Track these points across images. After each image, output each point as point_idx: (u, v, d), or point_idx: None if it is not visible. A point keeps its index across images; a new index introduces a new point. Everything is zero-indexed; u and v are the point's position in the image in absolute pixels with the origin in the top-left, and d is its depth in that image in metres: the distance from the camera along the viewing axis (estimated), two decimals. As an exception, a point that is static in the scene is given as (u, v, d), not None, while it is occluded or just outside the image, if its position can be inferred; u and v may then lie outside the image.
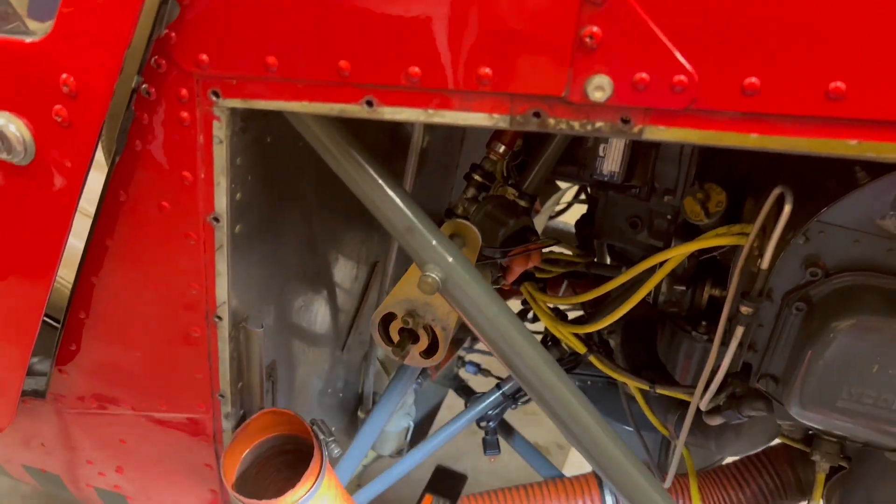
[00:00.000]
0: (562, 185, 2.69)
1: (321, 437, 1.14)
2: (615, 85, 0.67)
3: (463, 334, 1.92)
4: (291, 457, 1.26)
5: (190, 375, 1.08)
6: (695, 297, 1.31)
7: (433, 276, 0.88)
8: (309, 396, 1.55)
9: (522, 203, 1.38)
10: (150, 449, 1.27)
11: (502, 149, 1.31)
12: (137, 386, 1.14)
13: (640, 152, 1.39)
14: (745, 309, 1.02)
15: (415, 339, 1.08)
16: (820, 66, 0.62)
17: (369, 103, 0.75)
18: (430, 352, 1.09)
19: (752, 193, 1.22)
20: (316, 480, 1.10)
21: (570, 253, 1.73)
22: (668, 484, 1.33)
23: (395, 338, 1.09)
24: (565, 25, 0.66)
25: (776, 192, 0.98)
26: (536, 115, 0.71)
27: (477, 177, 1.31)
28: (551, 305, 1.58)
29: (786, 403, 1.04)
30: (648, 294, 1.38)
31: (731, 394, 1.21)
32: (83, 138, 0.79)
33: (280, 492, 1.09)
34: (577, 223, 1.95)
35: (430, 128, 1.64)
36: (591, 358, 1.53)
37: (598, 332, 1.72)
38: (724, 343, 1.09)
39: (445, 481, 1.11)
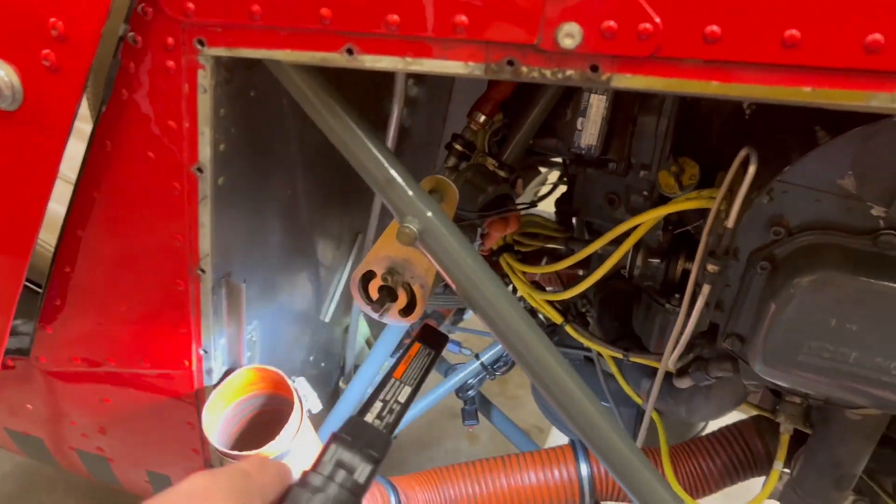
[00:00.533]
0: (543, 170, 2.72)
1: (301, 394, 1.17)
2: (584, 33, 0.70)
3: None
4: (273, 416, 1.29)
5: (173, 329, 1.10)
6: (669, 271, 1.35)
7: (411, 227, 0.91)
8: (291, 362, 1.57)
9: (502, 173, 1.41)
10: (133, 407, 1.29)
11: (483, 118, 1.34)
12: (121, 341, 1.16)
13: (616, 127, 1.43)
14: (711, 267, 1.06)
15: (394, 297, 1.11)
16: (776, 15, 0.66)
17: (350, 51, 0.77)
18: (408, 310, 1.12)
19: (724, 166, 1.26)
20: (296, 434, 1.13)
21: (549, 226, 1.77)
22: (640, 443, 1.37)
23: (375, 296, 1.12)
24: (537, -26, 0.69)
25: (742, 153, 1.02)
26: (510, 63, 0.74)
27: (457, 146, 1.34)
28: (530, 273, 1.62)
29: (750, 361, 1.08)
30: (624, 268, 1.42)
31: (699, 355, 1.25)
32: (71, 82, 0.81)
33: (260, 446, 1.12)
34: (557, 201, 1.98)
35: (413, 106, 1.67)
36: (567, 327, 1.58)
37: (576, 305, 1.76)
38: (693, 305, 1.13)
39: (431, 337, 1.15)
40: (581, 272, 1.61)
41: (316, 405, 1.17)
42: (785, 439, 1.31)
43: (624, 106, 1.38)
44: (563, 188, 2.42)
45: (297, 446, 1.14)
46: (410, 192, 0.92)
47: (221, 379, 1.18)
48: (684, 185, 1.30)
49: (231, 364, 1.19)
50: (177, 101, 0.85)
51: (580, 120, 1.40)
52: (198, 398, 1.20)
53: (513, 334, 0.98)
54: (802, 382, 1.06)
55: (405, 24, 0.74)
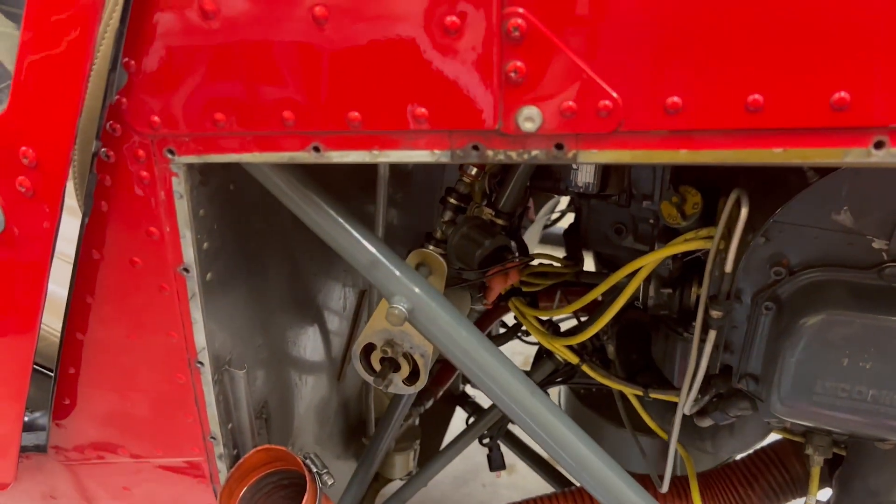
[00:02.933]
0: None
1: (314, 469, 1.16)
2: (544, 115, 0.69)
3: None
4: (291, 491, 1.28)
5: (180, 420, 1.10)
6: (683, 299, 1.33)
7: (400, 307, 0.91)
8: (309, 429, 1.57)
9: (500, 222, 1.40)
10: (153, 495, 1.29)
11: (475, 171, 1.34)
12: (132, 434, 1.16)
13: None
14: (714, 313, 1.04)
15: (396, 367, 1.11)
16: (737, 81, 0.65)
17: (316, 149, 0.77)
18: (412, 378, 1.11)
19: (724, 194, 1.24)
20: (312, 512, 1.12)
21: (557, 265, 1.75)
22: (665, 488, 1.33)
23: (378, 367, 1.12)
24: (490, 62, 0.68)
25: (733, 195, 1.00)
26: (475, 147, 0.74)
27: (452, 200, 1.33)
28: (543, 318, 1.60)
29: (766, 402, 1.05)
30: (639, 299, 1.40)
31: (716, 395, 1.22)
32: (48, 205, 0.82)
33: (279, 527, 1.12)
34: (565, 233, 1.97)
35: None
36: (584, 367, 1.55)
37: (592, 340, 1.74)
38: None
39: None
40: (599, 298, 1.58)
41: (329, 479, 1.17)
42: (816, 472, 1.27)
43: (618, 140, 1.37)
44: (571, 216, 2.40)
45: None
46: (397, 272, 0.91)
47: (235, 461, 1.18)
48: (687, 215, 1.28)
49: (243, 446, 1.19)
50: (155, 208, 0.86)
51: (575, 159, 1.38)
52: (213, 482, 1.20)
53: (514, 402, 0.96)
54: (821, 420, 1.03)
55: (367, 120, 0.74)
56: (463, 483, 3.27)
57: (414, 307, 0.92)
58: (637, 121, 0.68)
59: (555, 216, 2.95)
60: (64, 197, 0.82)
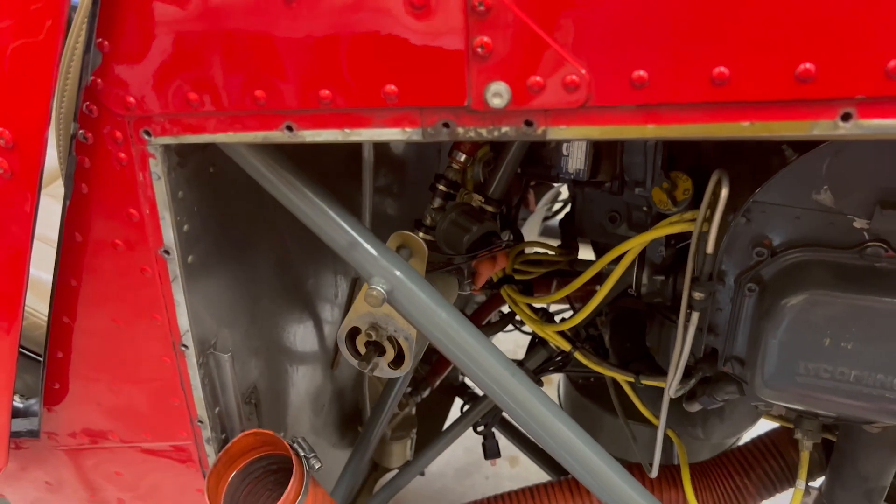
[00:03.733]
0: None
1: (301, 453, 1.17)
2: (512, 90, 0.69)
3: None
4: (280, 475, 1.29)
5: (167, 404, 1.11)
6: (676, 286, 1.32)
7: (378, 288, 0.91)
8: (304, 417, 1.58)
9: (489, 208, 1.40)
10: (144, 479, 1.30)
11: (463, 157, 1.34)
12: (121, 418, 1.17)
13: (604, 148, 1.41)
14: (697, 295, 1.03)
15: (381, 350, 1.11)
16: (702, 54, 0.64)
17: (289, 128, 0.78)
18: (398, 362, 1.12)
19: (715, 179, 1.23)
20: (298, 496, 1.13)
21: (551, 253, 1.75)
22: (654, 473, 1.33)
23: (363, 351, 1.12)
24: (457, 38, 0.68)
25: (714, 177, 0.99)
26: (446, 125, 0.74)
27: (441, 186, 1.33)
28: (535, 305, 1.60)
29: (750, 384, 1.05)
30: (631, 287, 1.40)
31: (703, 379, 1.21)
32: (26, 185, 0.83)
33: (265, 510, 1.12)
34: (561, 222, 1.96)
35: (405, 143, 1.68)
36: (577, 354, 1.55)
37: (586, 328, 1.74)
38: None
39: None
40: (598, 287, 1.59)
41: (316, 463, 1.17)
42: (805, 456, 1.26)
43: (609, 127, 1.37)
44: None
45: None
46: (375, 253, 0.92)
47: (223, 445, 1.19)
48: (678, 201, 1.27)
49: (231, 430, 1.20)
50: (133, 190, 0.87)
51: (565, 146, 1.38)
52: (202, 466, 1.21)
53: (495, 383, 0.96)
54: (806, 402, 1.03)
55: (337, 99, 0.74)
56: (466, 475, 3.28)
57: (393, 288, 0.92)
58: (604, 95, 0.68)
59: (556, 207, 2.94)
60: (42, 177, 0.82)
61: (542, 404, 0.98)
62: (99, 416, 1.19)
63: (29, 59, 0.76)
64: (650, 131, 0.69)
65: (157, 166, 0.85)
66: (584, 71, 0.67)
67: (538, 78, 0.68)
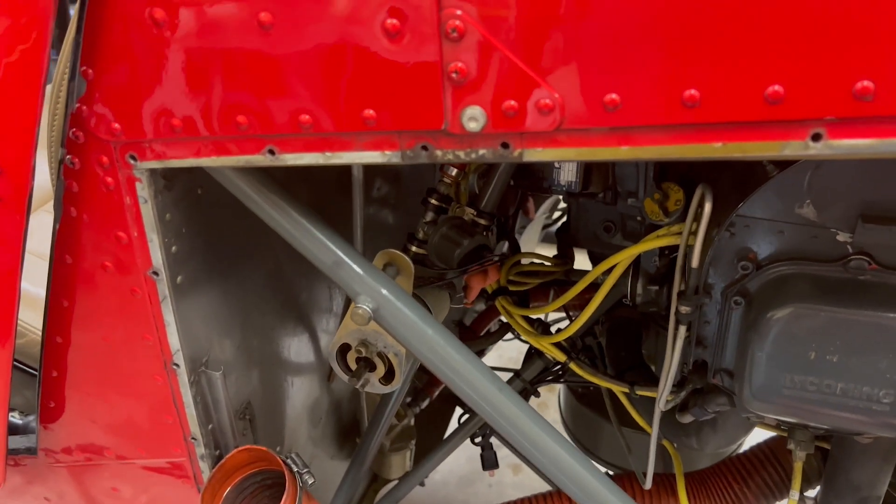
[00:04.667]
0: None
1: (294, 468, 1.17)
2: (487, 114, 0.70)
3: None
4: (275, 490, 1.30)
5: (161, 421, 1.12)
6: (670, 296, 1.32)
7: (364, 307, 0.92)
8: (301, 430, 1.58)
9: (482, 221, 1.41)
10: (141, 494, 1.31)
11: (455, 171, 1.35)
12: (117, 435, 1.19)
13: (595, 161, 1.42)
14: (683, 308, 1.04)
15: (372, 366, 1.12)
16: (673, 77, 0.65)
17: (271, 152, 0.79)
18: (388, 377, 1.13)
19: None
20: (292, 510, 1.14)
21: (547, 263, 1.75)
22: (647, 484, 1.33)
23: (354, 367, 1.13)
24: (432, 63, 0.69)
25: (698, 191, 1.00)
26: (424, 148, 0.75)
27: (433, 200, 1.34)
28: (531, 316, 1.61)
29: (739, 396, 1.05)
30: (626, 297, 1.41)
31: (695, 390, 1.22)
32: (15, 210, 0.84)
33: (260, 525, 1.13)
34: (557, 232, 1.97)
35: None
36: (572, 365, 1.55)
37: (583, 338, 1.74)
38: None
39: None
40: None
41: (310, 478, 1.18)
42: (798, 467, 1.26)
43: (600, 138, 1.37)
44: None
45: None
46: (361, 272, 0.93)
47: (217, 461, 1.20)
48: (670, 212, 1.28)
49: (225, 446, 1.21)
50: (121, 213, 0.88)
51: (557, 159, 1.39)
52: (197, 483, 1.22)
53: (482, 399, 0.97)
54: (794, 414, 1.03)
55: (317, 123, 0.75)
56: (468, 483, 3.28)
57: (379, 306, 0.93)
58: (578, 118, 0.69)
59: (556, 215, 2.94)
60: (31, 202, 0.84)
61: (530, 419, 0.98)
62: (94, 433, 1.20)
63: (13, 87, 0.77)
64: (624, 153, 0.70)
65: (143, 190, 0.86)
66: (557, 95, 0.68)
67: (513, 102, 0.69)
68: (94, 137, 0.83)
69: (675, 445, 1.56)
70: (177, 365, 1.03)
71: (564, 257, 1.74)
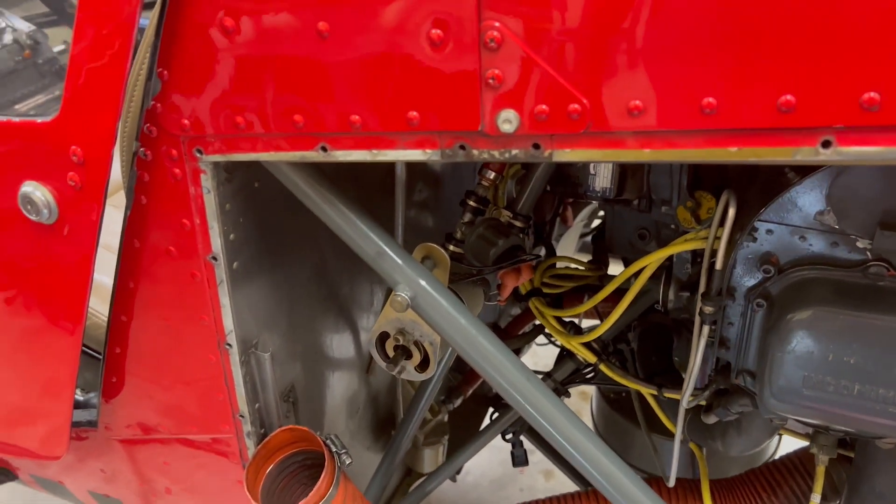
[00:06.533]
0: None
1: (333, 449, 1.25)
2: (521, 117, 0.77)
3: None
4: (314, 471, 1.38)
5: (212, 399, 1.21)
6: (700, 302, 1.36)
7: (402, 294, 0.99)
8: (339, 419, 1.66)
9: (517, 223, 1.47)
10: (189, 469, 1.40)
11: (492, 175, 1.41)
12: (170, 411, 1.28)
13: (629, 167, 1.47)
14: (706, 308, 1.09)
15: (408, 354, 1.19)
16: (691, 86, 0.71)
17: (323, 149, 0.87)
18: (424, 365, 1.19)
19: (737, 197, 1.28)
20: (328, 489, 1.21)
21: (581, 268, 1.80)
22: (671, 482, 1.37)
23: (392, 354, 1.20)
24: (471, 70, 0.76)
25: (724, 197, 1.05)
26: (462, 147, 0.82)
27: (471, 202, 1.41)
28: (564, 318, 1.66)
29: (760, 396, 1.09)
30: (658, 303, 1.45)
31: (719, 391, 1.26)
32: (93, 197, 0.94)
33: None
34: (593, 238, 2.02)
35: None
36: (602, 366, 1.60)
37: (614, 341, 1.78)
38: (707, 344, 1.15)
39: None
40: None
41: (347, 458, 1.25)
42: (820, 471, 1.29)
43: (635, 147, 1.42)
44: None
45: (336, 496, 1.23)
46: (400, 262, 1.00)
47: (262, 439, 1.28)
48: (702, 220, 1.33)
49: (269, 426, 1.29)
50: (186, 202, 0.97)
51: (592, 165, 1.45)
52: (242, 459, 1.31)
53: (512, 388, 1.03)
54: (813, 415, 1.06)
55: (366, 123, 0.83)
56: (500, 487, 3.32)
57: (416, 295, 1.00)
58: (604, 122, 0.75)
59: (595, 223, 2.98)
60: (107, 190, 0.93)
61: (558, 409, 1.04)
62: (150, 409, 1.30)
63: (99, 86, 0.87)
64: (646, 154, 0.76)
65: (207, 181, 0.95)
66: (585, 101, 0.74)
67: (544, 106, 0.76)
68: (165, 132, 0.92)
69: (702, 449, 1.59)
70: (230, 345, 1.11)
71: (599, 263, 1.79)
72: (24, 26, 2.90)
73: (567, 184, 1.51)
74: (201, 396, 1.22)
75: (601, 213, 2.89)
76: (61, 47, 2.97)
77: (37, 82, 2.77)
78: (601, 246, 1.77)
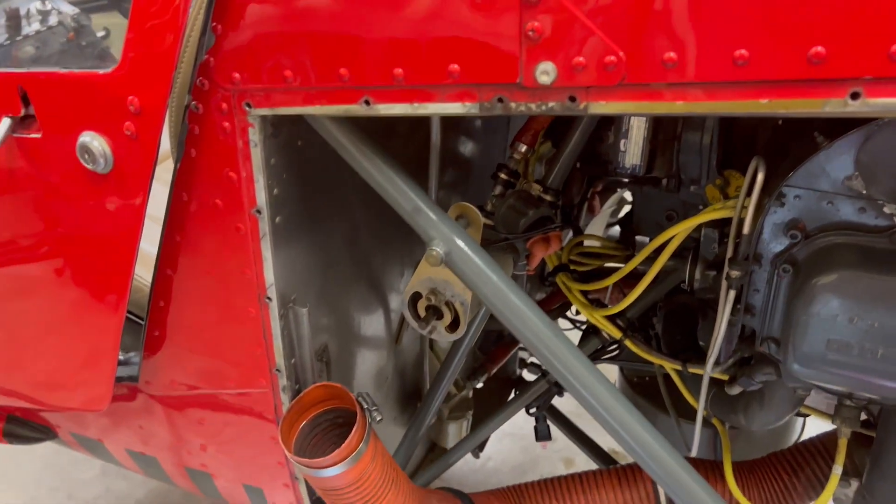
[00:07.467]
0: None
1: (365, 406, 1.29)
2: (558, 69, 0.80)
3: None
4: (345, 430, 1.42)
5: (251, 352, 1.26)
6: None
7: (437, 249, 1.03)
8: (367, 382, 1.71)
9: (548, 197, 1.50)
10: (224, 426, 1.46)
11: (524, 148, 1.45)
12: (210, 365, 1.33)
13: (659, 146, 1.49)
14: (733, 273, 1.11)
15: (440, 315, 1.23)
16: (725, 37, 0.74)
17: (367, 102, 0.91)
18: (454, 326, 1.23)
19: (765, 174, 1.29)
20: (360, 443, 1.25)
21: (609, 245, 1.83)
22: (693, 452, 1.40)
23: (423, 314, 1.24)
24: (511, 23, 0.80)
25: (753, 163, 1.07)
26: (500, 100, 0.85)
27: (502, 175, 1.44)
28: (588, 292, 1.69)
29: (784, 363, 1.11)
30: (684, 282, 1.47)
31: (742, 360, 1.28)
32: (148, 146, 0.99)
33: (331, 455, 1.25)
34: (621, 221, 2.03)
35: (471, 138, 1.80)
36: (627, 341, 1.62)
37: (640, 318, 1.80)
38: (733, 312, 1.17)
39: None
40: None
41: (378, 415, 1.29)
42: (843, 443, 1.30)
43: (666, 125, 1.45)
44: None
45: (365, 455, 1.27)
46: (435, 219, 1.04)
47: (296, 395, 1.33)
48: (730, 197, 1.35)
49: (303, 382, 1.33)
50: (234, 155, 1.02)
51: (623, 142, 1.48)
52: (277, 414, 1.35)
53: (542, 345, 1.06)
54: (837, 381, 1.08)
55: (409, 76, 0.87)
56: (521, 473, 3.35)
57: (451, 251, 1.04)
58: (638, 75, 0.78)
59: (623, 213, 2.99)
60: (160, 140, 0.98)
61: (588, 369, 1.06)
62: (190, 363, 1.35)
63: (157, 39, 0.92)
64: (679, 107, 0.79)
65: (254, 135, 0.99)
66: (621, 53, 0.77)
67: (581, 58, 0.79)
68: (216, 86, 0.97)
69: (725, 425, 1.61)
70: (269, 298, 1.16)
71: (626, 243, 1.81)
72: (70, 9, 2.99)
73: (597, 161, 1.54)
74: (240, 350, 1.26)
75: (628, 203, 2.91)
76: (102, 33, 3.06)
77: (81, 64, 2.86)
78: (629, 227, 1.79)
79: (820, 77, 0.72)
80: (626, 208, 2.91)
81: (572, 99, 0.82)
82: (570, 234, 1.83)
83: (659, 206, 1.67)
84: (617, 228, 3.04)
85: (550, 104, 0.83)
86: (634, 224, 1.76)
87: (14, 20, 2.57)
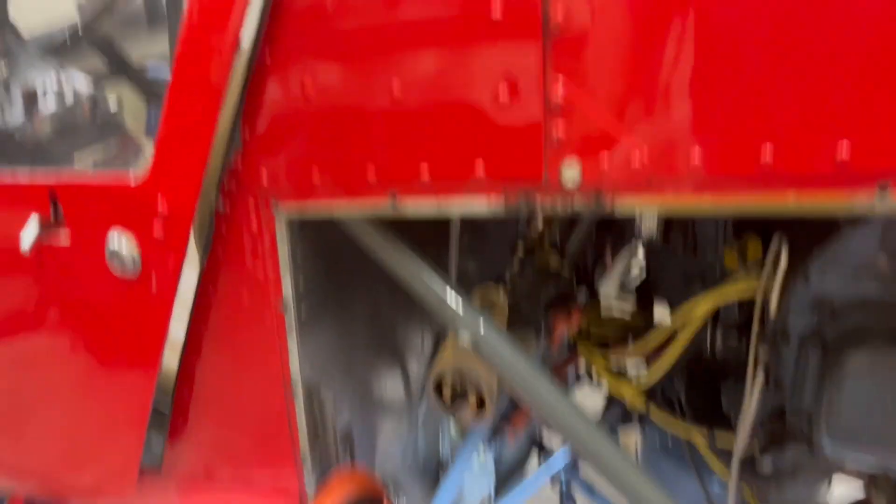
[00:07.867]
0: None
1: (391, 493, 1.28)
2: (583, 171, 0.81)
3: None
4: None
5: (276, 441, 1.25)
6: (748, 346, 1.37)
7: (464, 337, 1.03)
8: (391, 461, 1.68)
9: (566, 270, 1.51)
10: (250, 512, 1.44)
11: (541, 224, 1.46)
12: (234, 453, 1.32)
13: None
14: (761, 352, 1.10)
15: (465, 398, 1.22)
16: (750, 134, 0.75)
17: (393, 198, 0.92)
18: (479, 409, 1.22)
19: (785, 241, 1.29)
20: (387, 532, 1.24)
21: (628, 311, 1.82)
22: (727, 528, 1.36)
23: (448, 398, 1.23)
24: (536, 126, 0.81)
25: (775, 242, 1.07)
26: (525, 200, 0.86)
27: (520, 247, 1.45)
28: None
29: (817, 441, 1.09)
30: (706, 349, 1.46)
31: (773, 437, 1.26)
32: (176, 247, 1.01)
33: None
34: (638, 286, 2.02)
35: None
36: (651, 413, 1.60)
37: (663, 385, 1.78)
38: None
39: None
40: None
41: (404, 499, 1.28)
42: (878, 513, 1.27)
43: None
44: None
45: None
46: (461, 308, 1.04)
47: (322, 481, 1.31)
48: (748, 262, 1.34)
49: (329, 467, 1.32)
50: (261, 252, 1.03)
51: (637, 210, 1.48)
52: (301, 501, 1.34)
53: (570, 428, 1.05)
54: (872, 458, 1.06)
55: (434, 171, 0.88)
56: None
57: (476, 338, 1.04)
58: (664, 174, 0.79)
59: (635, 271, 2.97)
60: (189, 242, 0.99)
61: (616, 453, 1.05)
62: (214, 451, 1.34)
63: (188, 143, 0.94)
64: (705, 205, 0.79)
65: (281, 233, 1.01)
66: (647, 152, 0.79)
67: (605, 159, 0.80)
68: (244, 188, 0.98)
69: (757, 496, 1.58)
70: (294, 388, 1.16)
71: (644, 307, 1.80)
72: (85, 85, 3.05)
73: (613, 229, 1.55)
74: (265, 438, 1.26)
75: (641, 256, 2.90)
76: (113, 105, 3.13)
77: (96, 138, 2.91)
78: (647, 290, 1.79)
79: (846, 172, 0.73)
80: (638, 266, 2.92)
81: (598, 200, 0.83)
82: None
83: (675, 268, 1.67)
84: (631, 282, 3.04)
85: (576, 204, 0.84)
86: (652, 286, 1.75)
87: (30, 98, 2.62)
